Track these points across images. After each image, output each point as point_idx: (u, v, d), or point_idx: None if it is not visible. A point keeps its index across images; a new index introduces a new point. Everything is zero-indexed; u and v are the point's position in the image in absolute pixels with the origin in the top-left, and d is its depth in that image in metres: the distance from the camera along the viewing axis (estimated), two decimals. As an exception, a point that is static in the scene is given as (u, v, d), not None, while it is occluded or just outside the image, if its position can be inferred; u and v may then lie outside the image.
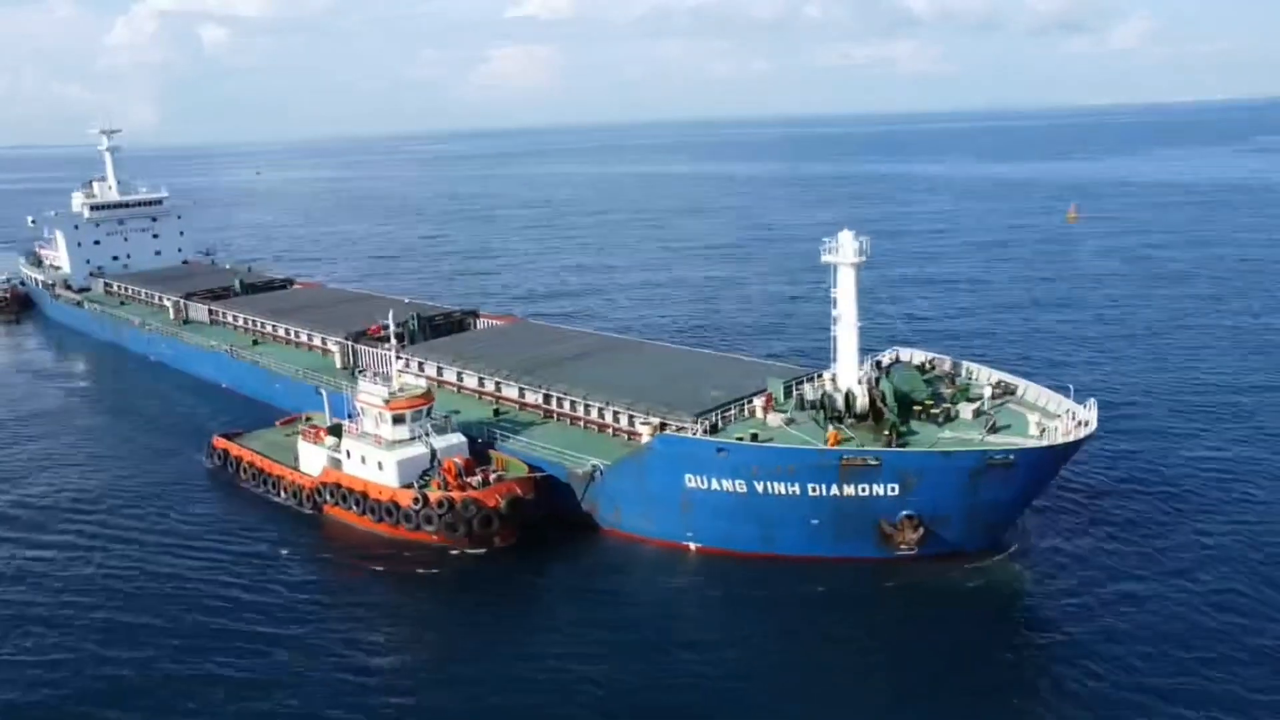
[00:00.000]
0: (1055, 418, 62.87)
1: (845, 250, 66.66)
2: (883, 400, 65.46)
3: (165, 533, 71.82)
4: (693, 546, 66.24)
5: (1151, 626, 54.01)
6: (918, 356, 77.62)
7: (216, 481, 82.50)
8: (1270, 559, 61.02)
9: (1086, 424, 59.39)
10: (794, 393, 71.31)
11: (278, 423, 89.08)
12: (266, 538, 70.66)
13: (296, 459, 78.36)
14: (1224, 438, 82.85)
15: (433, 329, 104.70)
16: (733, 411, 68.79)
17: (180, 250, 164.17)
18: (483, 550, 66.20)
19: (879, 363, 74.92)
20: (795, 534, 62.95)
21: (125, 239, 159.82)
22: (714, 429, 66.08)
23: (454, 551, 66.32)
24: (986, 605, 58.32)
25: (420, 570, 65.13)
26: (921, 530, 60.58)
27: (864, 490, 60.26)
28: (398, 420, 70.42)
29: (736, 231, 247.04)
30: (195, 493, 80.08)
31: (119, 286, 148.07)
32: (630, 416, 72.92)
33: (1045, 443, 58.57)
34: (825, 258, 67.68)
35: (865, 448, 61.05)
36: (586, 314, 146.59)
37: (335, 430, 75.49)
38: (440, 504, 65.40)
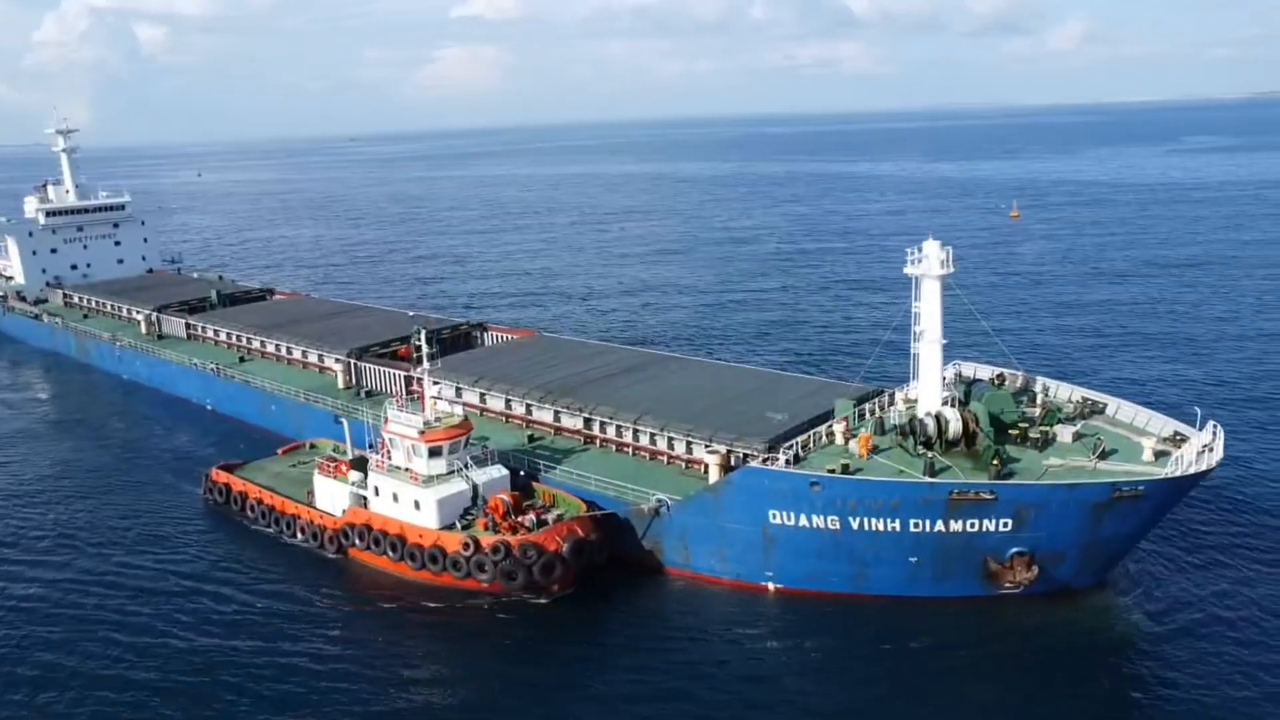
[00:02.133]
0: (1174, 443, 57.62)
1: (930, 261, 60.95)
2: (976, 424, 59.97)
3: (165, 584, 63.47)
4: (771, 587, 60.06)
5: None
6: (982, 371, 72.34)
7: (216, 520, 74.15)
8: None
9: (1211, 450, 54.33)
10: (866, 414, 65.52)
11: (279, 451, 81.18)
12: (286, 589, 62.61)
13: (311, 495, 70.63)
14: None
15: (439, 344, 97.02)
16: (808, 438, 62.40)
17: (144, 259, 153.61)
18: (540, 599, 59.21)
19: (943, 379, 69.36)
20: (891, 572, 57.15)
21: (85, 246, 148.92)
22: (796, 459, 59.65)
23: (502, 600, 59.18)
24: (1101, 649, 52.84)
25: (470, 624, 57.90)
26: (1035, 569, 55.12)
27: (973, 525, 54.61)
28: (434, 453, 63.07)
29: (687, 232, 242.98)
30: (194, 534, 71.67)
31: (80, 298, 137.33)
32: (689, 443, 66.49)
33: (1179, 472, 53.09)
34: (908, 269, 61.76)
35: (972, 480, 55.14)
36: (579, 320, 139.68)
37: (359, 464, 67.93)
38: (495, 549, 58.07)
